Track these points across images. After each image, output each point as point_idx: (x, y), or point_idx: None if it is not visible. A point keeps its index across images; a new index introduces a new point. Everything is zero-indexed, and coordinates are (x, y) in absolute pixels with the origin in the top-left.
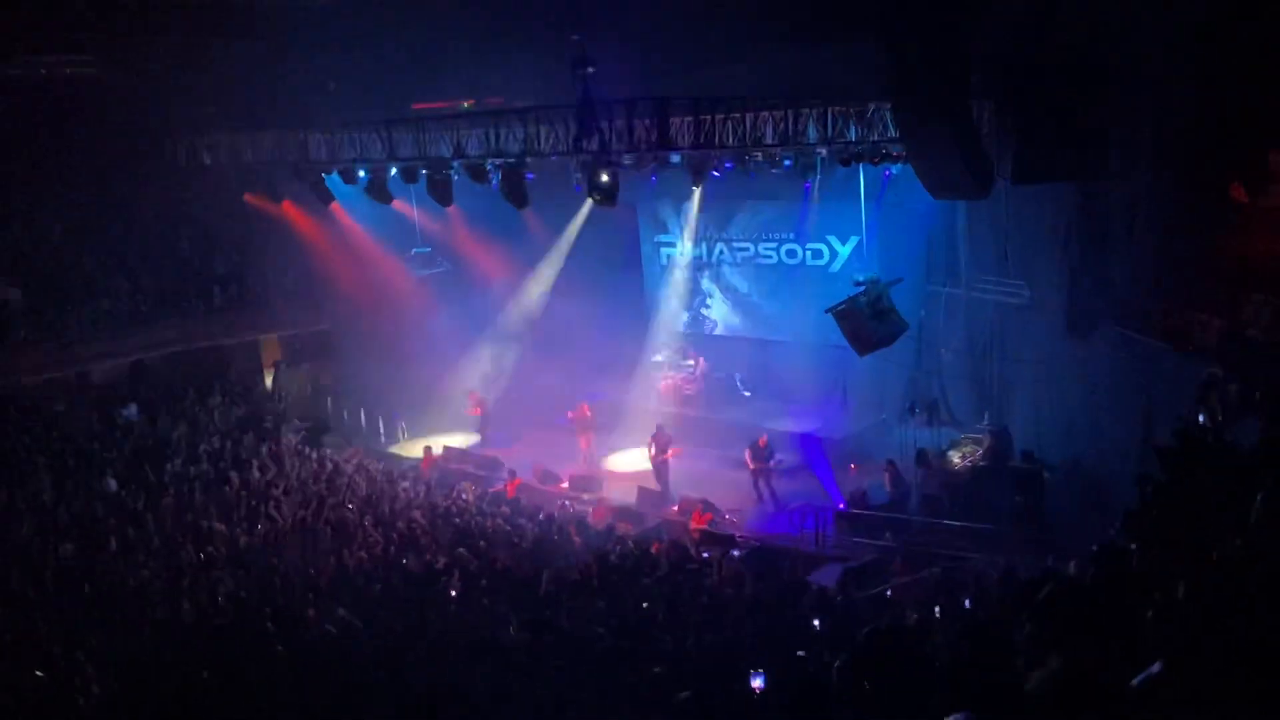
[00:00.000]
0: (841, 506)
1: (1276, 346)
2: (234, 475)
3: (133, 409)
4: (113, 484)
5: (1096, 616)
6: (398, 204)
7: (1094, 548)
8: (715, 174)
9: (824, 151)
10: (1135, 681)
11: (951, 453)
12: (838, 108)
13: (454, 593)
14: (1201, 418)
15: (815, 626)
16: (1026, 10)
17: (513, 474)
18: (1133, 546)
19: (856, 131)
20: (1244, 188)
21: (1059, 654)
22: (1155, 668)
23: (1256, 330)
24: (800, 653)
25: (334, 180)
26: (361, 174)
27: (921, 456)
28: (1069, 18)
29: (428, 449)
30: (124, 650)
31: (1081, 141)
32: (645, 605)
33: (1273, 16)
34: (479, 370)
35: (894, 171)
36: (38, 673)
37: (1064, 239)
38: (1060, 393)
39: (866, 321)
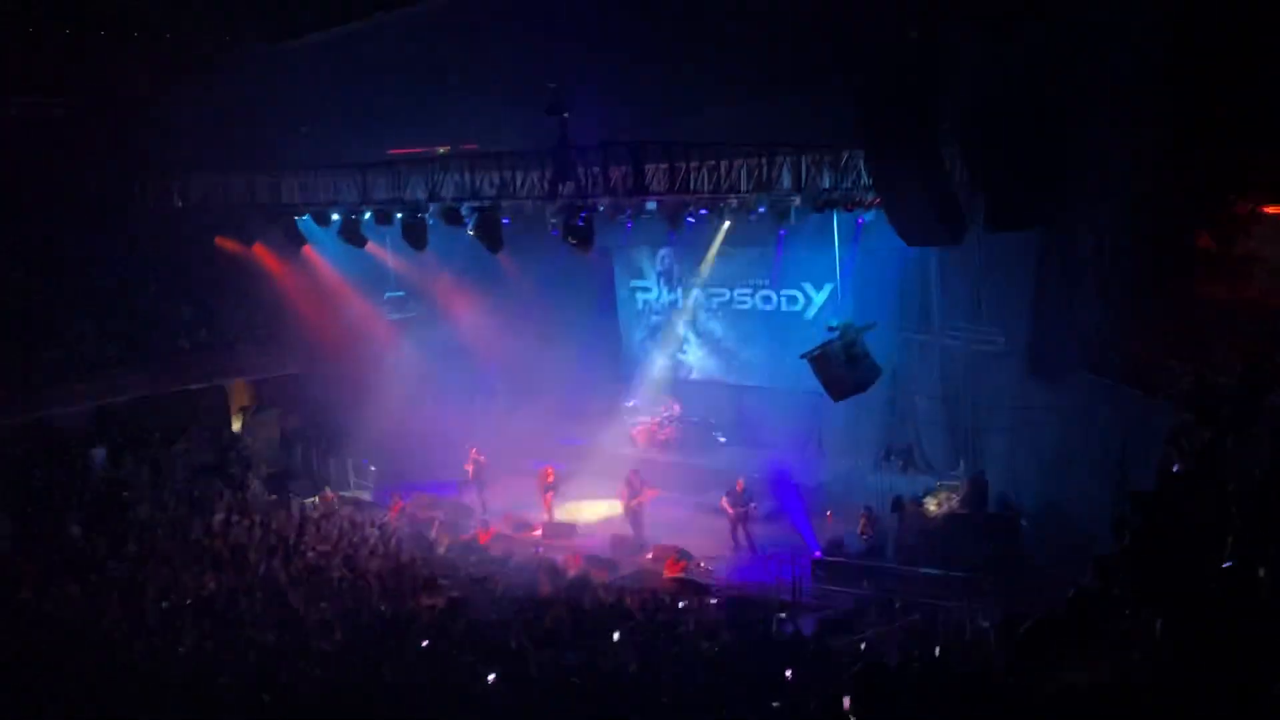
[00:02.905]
0: (818, 554)
1: (1245, 393)
2: (198, 522)
3: (100, 453)
4: (75, 530)
5: (1076, 650)
6: (371, 247)
7: (1070, 592)
8: (690, 220)
9: (798, 198)
10: None
11: (928, 500)
12: (811, 155)
13: (424, 642)
14: (1175, 465)
15: (789, 677)
16: (993, 59)
17: (485, 523)
18: (1114, 591)
19: (830, 178)
20: (1212, 236)
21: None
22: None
23: (1226, 377)
24: (775, 703)
25: (306, 223)
26: (335, 217)
27: (898, 504)
28: (1034, 67)
29: (396, 496)
30: (84, 698)
31: (1050, 189)
32: (616, 656)
33: (1233, 67)
34: (456, 419)
35: (868, 218)
36: None
37: (1034, 284)
38: (1035, 439)
39: (840, 367)
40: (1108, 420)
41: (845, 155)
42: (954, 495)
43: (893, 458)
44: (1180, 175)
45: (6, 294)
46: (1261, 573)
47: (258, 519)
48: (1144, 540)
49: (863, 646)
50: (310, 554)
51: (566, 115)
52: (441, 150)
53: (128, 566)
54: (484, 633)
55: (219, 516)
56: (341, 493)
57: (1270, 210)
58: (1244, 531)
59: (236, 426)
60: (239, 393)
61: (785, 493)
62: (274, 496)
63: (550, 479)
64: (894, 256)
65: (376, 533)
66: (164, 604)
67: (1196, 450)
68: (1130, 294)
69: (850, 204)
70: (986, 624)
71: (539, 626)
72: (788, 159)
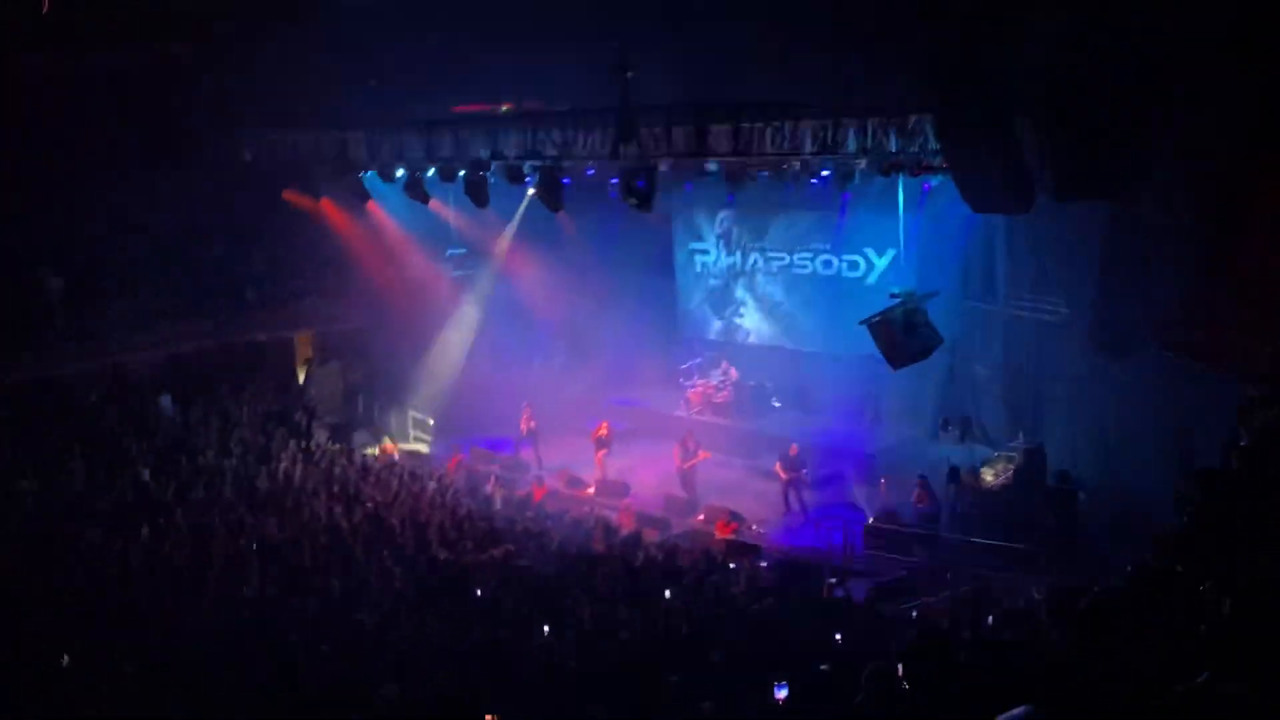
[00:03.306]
0: (871, 521)
1: None
2: (263, 470)
3: (167, 400)
4: (145, 474)
5: (1137, 626)
6: (435, 204)
7: (1128, 568)
8: (752, 182)
9: (863, 162)
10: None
11: (985, 470)
12: (878, 118)
13: (479, 593)
14: (1243, 441)
15: (837, 641)
16: (1069, 25)
17: (540, 480)
18: (1178, 568)
19: (897, 142)
20: None
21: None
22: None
23: None
24: (823, 666)
25: (372, 178)
26: (399, 173)
27: (954, 474)
28: (1111, 32)
29: (454, 450)
30: (150, 639)
31: (1124, 159)
32: (667, 614)
33: None
34: (515, 377)
35: (933, 184)
36: (64, 658)
37: (1102, 257)
38: (1097, 413)
39: (901, 335)
40: (1172, 396)
41: (913, 119)
42: (1011, 466)
43: (950, 427)
44: (1258, 144)
45: (82, 244)
46: None
47: (322, 468)
48: (1206, 518)
49: (914, 614)
50: (370, 504)
51: (630, 74)
52: (504, 108)
53: (195, 511)
54: (539, 586)
55: (284, 465)
56: (401, 445)
57: None
58: None
59: (301, 378)
60: (303, 345)
61: (839, 460)
62: (337, 446)
63: (604, 434)
64: (959, 223)
65: (435, 485)
66: (229, 549)
67: (1265, 428)
68: (1200, 267)
69: (916, 169)
70: (1039, 596)
71: (592, 582)
72: (853, 122)
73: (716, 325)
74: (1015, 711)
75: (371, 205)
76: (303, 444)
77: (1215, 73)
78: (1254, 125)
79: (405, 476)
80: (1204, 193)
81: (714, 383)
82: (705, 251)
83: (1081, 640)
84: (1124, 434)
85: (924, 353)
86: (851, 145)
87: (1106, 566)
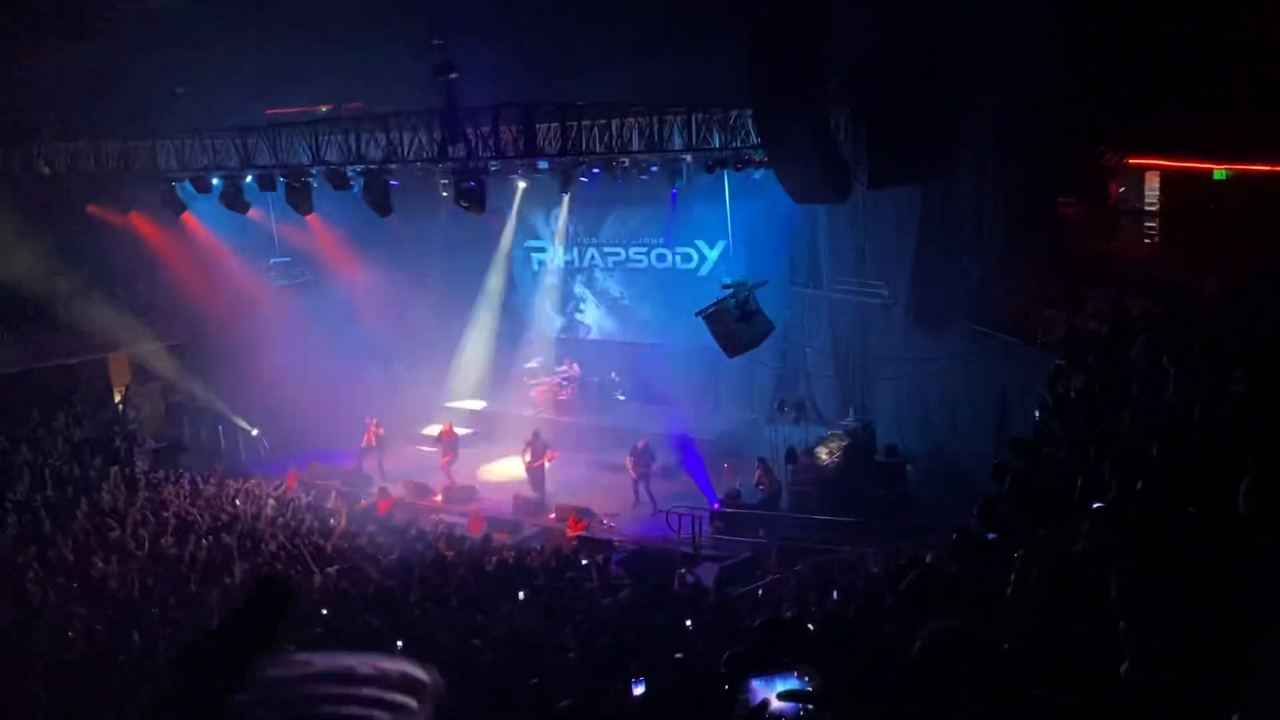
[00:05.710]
0: (716, 506)
1: (1113, 339)
2: (83, 501)
3: None
4: None
5: (956, 601)
6: (255, 213)
7: (953, 536)
8: (583, 179)
9: (689, 158)
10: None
11: (819, 449)
12: (702, 115)
13: (324, 611)
14: (1049, 408)
15: (689, 627)
16: (876, 17)
17: (384, 491)
18: (989, 536)
19: (720, 138)
20: (1079, 189)
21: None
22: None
23: (1097, 324)
24: (678, 655)
25: (186, 189)
26: (215, 182)
27: (791, 454)
28: (917, 25)
29: (291, 466)
30: None
31: (930, 146)
32: (522, 615)
33: (1105, 27)
34: (351, 386)
35: (757, 176)
36: None
37: (916, 240)
38: (919, 388)
39: (734, 324)
40: (988, 368)
41: (734, 115)
42: (843, 444)
43: (786, 409)
44: (1053, 130)
45: None
46: (1126, 515)
47: (145, 495)
48: (1022, 484)
49: (760, 593)
50: (206, 532)
51: (454, 75)
52: (323, 110)
53: (7, 549)
54: (385, 601)
55: (105, 495)
56: (233, 465)
57: (1133, 162)
58: (1108, 475)
59: (119, 401)
60: (120, 366)
61: (685, 447)
62: (161, 472)
63: (450, 439)
64: (783, 214)
65: (273, 504)
66: (48, 589)
67: (1068, 395)
68: (1006, 245)
69: (740, 163)
70: (877, 569)
71: (442, 592)
72: (678, 119)
73: (558, 322)
74: None
75: (186, 216)
76: (124, 471)
77: (1020, 64)
78: (1052, 111)
79: (241, 497)
80: (1008, 175)
81: (558, 380)
82: (542, 249)
83: (907, 615)
84: (945, 407)
85: (756, 340)
86: (677, 142)
87: (936, 535)
